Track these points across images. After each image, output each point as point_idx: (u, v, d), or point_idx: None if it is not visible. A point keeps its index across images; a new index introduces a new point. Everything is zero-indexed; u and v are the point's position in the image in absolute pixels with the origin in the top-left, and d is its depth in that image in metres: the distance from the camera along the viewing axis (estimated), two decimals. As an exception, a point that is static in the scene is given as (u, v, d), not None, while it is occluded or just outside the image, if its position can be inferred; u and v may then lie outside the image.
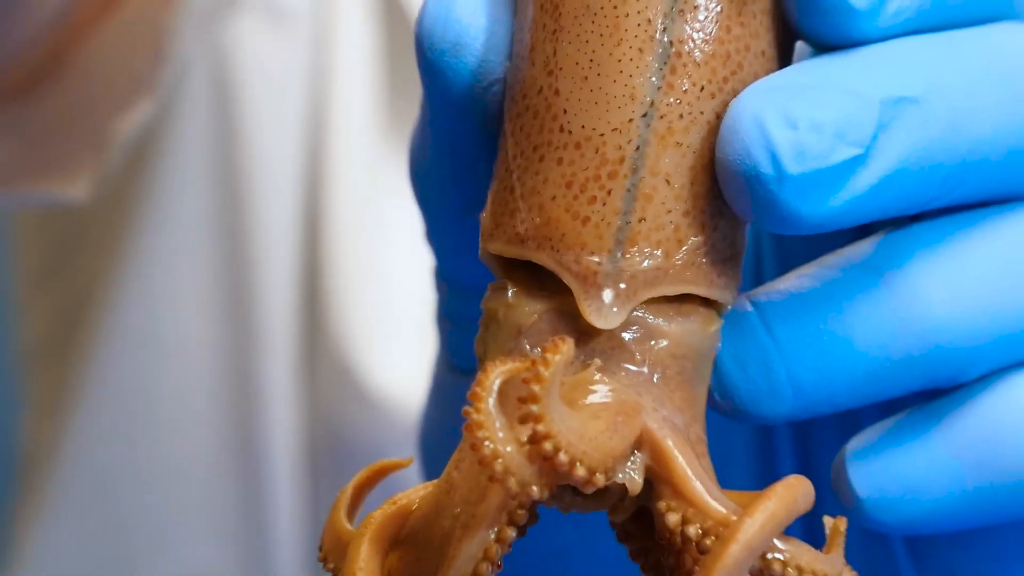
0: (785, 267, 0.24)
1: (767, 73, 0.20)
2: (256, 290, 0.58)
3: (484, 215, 0.21)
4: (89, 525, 0.61)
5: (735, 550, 0.17)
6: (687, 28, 0.19)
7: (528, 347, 0.19)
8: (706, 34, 0.20)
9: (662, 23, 0.19)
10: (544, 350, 0.18)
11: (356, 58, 0.58)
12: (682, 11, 0.19)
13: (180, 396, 0.59)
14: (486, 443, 0.17)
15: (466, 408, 0.18)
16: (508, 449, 0.17)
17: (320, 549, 0.21)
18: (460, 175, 0.23)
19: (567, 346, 0.18)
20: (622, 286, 0.19)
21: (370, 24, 0.58)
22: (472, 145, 0.22)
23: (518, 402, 0.17)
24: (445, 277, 0.27)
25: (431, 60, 0.21)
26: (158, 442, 0.60)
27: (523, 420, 0.17)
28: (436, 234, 0.26)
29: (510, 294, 0.20)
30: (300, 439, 0.59)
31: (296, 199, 0.58)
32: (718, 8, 0.20)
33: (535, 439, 0.17)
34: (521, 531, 0.19)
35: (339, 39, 0.58)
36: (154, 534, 0.60)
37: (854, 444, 0.21)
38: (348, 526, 0.20)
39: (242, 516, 0.59)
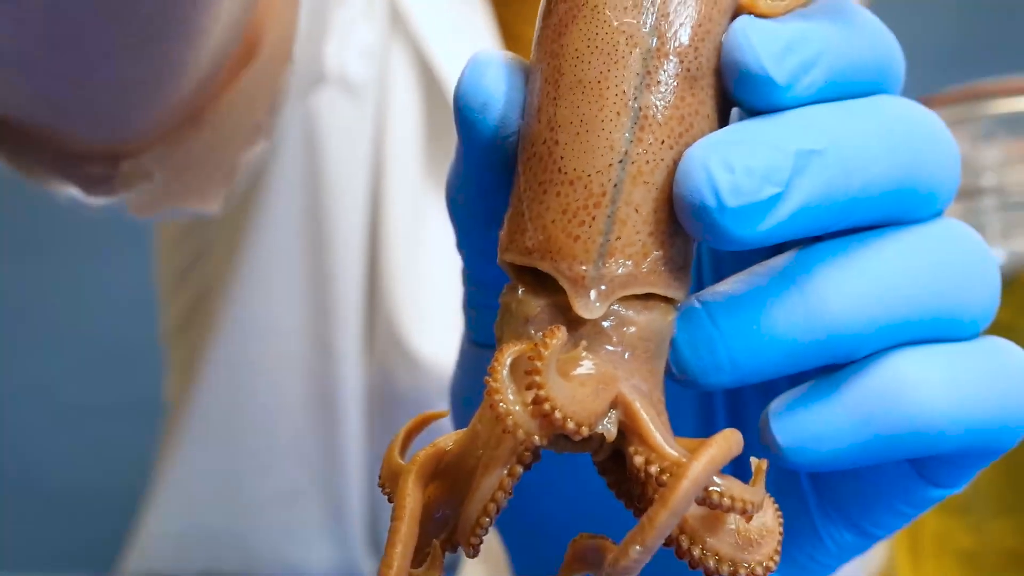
0: (720, 275, 0.25)
1: (711, 131, 0.21)
2: (332, 283, 0.64)
3: (502, 233, 0.21)
4: (211, 455, 0.66)
5: (685, 484, 0.17)
6: (652, 98, 0.20)
7: (533, 332, 0.20)
8: (666, 102, 0.20)
9: (633, 94, 0.20)
10: (544, 335, 0.18)
11: (406, 117, 0.63)
12: (648, 85, 0.20)
13: (277, 360, 0.65)
14: (500, 404, 0.18)
15: (486, 377, 0.18)
16: (517, 408, 0.18)
17: (380, 479, 0.21)
18: (484, 201, 0.23)
19: (561, 333, 0.19)
20: (603, 288, 0.19)
21: (415, 94, 0.62)
22: (494, 179, 0.23)
23: (524, 374, 0.18)
24: (471, 276, 0.26)
25: (465, 116, 0.22)
26: (260, 394, 0.65)
27: (528, 387, 0.18)
28: (465, 244, 0.26)
29: (520, 292, 0.20)
30: (364, 393, 0.65)
31: (362, 217, 0.63)
32: (675, 83, 0.20)
33: (537, 401, 0.18)
34: (527, 467, 0.19)
35: (393, 104, 0.62)
36: (257, 462, 0.65)
37: (775, 405, 0.22)
38: (400, 462, 0.21)
39: (322, 450, 0.64)
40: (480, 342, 0.27)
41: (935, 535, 0.44)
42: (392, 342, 0.64)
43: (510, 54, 0.23)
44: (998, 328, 0.33)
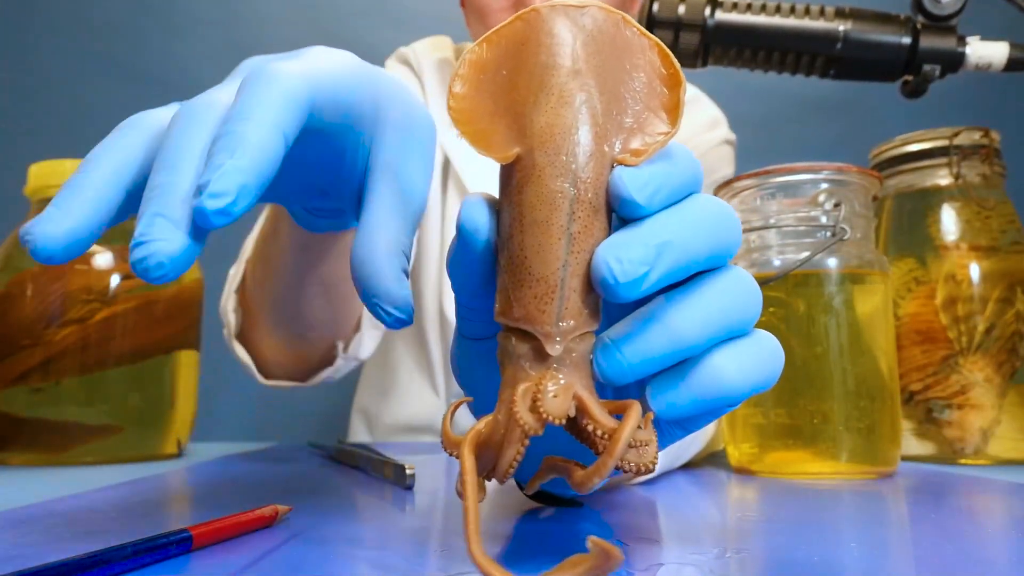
0: (621, 309, 0.27)
1: (606, 236, 0.23)
2: (422, 297, 0.99)
3: (496, 304, 0.24)
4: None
5: (620, 445, 0.21)
6: (576, 226, 0.23)
7: (525, 364, 0.23)
8: (584, 227, 0.23)
9: (567, 226, 0.23)
10: (538, 379, 0.22)
11: (454, 215, 0.94)
12: (574, 220, 0.23)
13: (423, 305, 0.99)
14: (519, 415, 0.22)
15: (511, 403, 0.22)
16: (530, 418, 0.22)
17: (443, 446, 0.24)
18: (477, 271, 0.26)
19: (547, 378, 0.22)
20: (559, 337, 0.23)
21: (458, 205, 0.94)
22: (477, 266, 0.25)
23: (532, 400, 0.22)
24: (459, 305, 0.28)
25: (463, 234, 0.25)
26: (408, 341, 1.02)
27: (533, 407, 0.22)
28: (457, 292, 0.27)
29: (513, 340, 0.23)
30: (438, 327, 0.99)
31: (439, 250, 0.96)
32: (588, 216, 0.23)
33: (535, 409, 0.22)
34: (526, 442, 0.22)
35: (448, 209, 0.95)
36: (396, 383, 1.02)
37: (650, 388, 0.24)
38: (453, 435, 0.24)
39: (417, 349, 1.01)
40: (464, 335, 0.30)
41: (742, 416, 0.56)
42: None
43: (487, 194, 0.25)
44: (779, 302, 0.47)
